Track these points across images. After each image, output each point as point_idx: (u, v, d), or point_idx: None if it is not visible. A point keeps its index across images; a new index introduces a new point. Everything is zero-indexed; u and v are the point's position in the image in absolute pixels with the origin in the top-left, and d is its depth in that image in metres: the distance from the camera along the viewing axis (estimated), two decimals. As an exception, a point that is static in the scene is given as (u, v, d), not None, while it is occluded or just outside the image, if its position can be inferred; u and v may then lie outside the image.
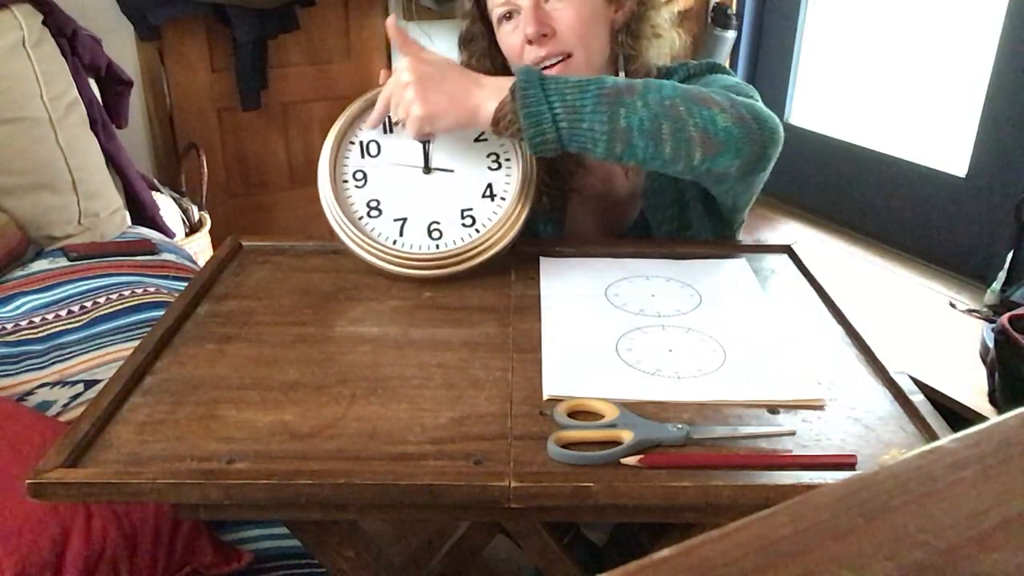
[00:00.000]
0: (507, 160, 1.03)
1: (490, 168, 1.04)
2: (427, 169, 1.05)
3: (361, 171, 1.05)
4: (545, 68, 1.07)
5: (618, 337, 0.89)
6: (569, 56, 1.08)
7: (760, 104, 0.98)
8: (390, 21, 1.02)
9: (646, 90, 0.92)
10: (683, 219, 1.17)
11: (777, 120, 0.96)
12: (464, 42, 1.20)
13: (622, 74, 1.14)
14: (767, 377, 0.82)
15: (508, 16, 1.10)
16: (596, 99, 0.91)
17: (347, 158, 1.05)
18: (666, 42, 1.16)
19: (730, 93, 0.97)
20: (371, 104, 1.05)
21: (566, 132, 0.92)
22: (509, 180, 1.03)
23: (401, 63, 0.97)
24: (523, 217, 1.02)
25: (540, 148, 0.93)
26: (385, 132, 1.05)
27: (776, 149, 0.96)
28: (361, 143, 1.05)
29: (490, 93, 0.94)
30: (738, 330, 0.91)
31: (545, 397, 0.78)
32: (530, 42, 1.07)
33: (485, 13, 1.15)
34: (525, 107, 0.91)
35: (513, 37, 1.10)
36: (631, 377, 0.81)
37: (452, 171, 1.04)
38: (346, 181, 1.05)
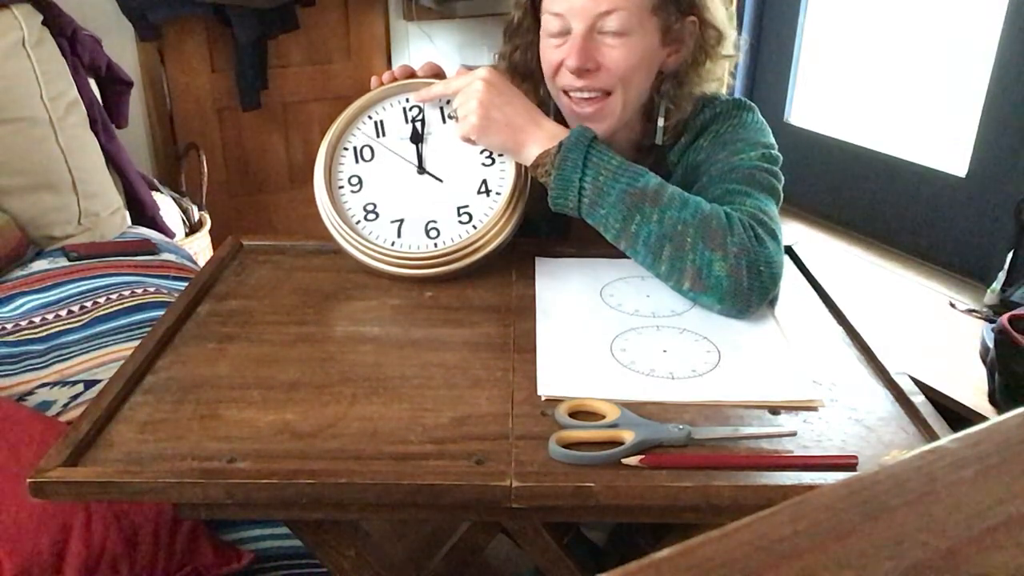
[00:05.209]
0: (500, 156, 1.04)
1: (484, 164, 1.04)
2: (421, 170, 1.05)
3: (356, 176, 1.05)
4: (579, 100, 1.04)
5: (612, 337, 0.89)
6: (608, 94, 1.03)
7: (772, 233, 0.94)
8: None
9: (668, 204, 0.92)
10: None
11: (777, 268, 0.93)
12: (510, 32, 1.14)
13: (661, 120, 1.08)
14: (762, 377, 0.82)
15: (557, 31, 1.03)
16: (621, 193, 0.93)
17: (342, 164, 1.06)
18: (713, 85, 1.11)
19: (752, 220, 0.93)
20: (363, 110, 1.06)
21: (586, 208, 0.96)
22: (503, 175, 1.03)
23: (483, 70, 0.98)
24: (519, 211, 1.03)
25: (560, 209, 0.97)
26: (378, 136, 1.06)
27: (765, 298, 0.93)
28: (355, 148, 1.06)
29: (543, 137, 0.96)
30: (733, 331, 0.91)
31: (540, 397, 0.78)
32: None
33: (537, 7, 1.08)
34: (560, 169, 0.94)
35: (554, 54, 1.04)
36: (625, 377, 0.82)
37: (446, 171, 1.05)
38: (342, 187, 1.05)
